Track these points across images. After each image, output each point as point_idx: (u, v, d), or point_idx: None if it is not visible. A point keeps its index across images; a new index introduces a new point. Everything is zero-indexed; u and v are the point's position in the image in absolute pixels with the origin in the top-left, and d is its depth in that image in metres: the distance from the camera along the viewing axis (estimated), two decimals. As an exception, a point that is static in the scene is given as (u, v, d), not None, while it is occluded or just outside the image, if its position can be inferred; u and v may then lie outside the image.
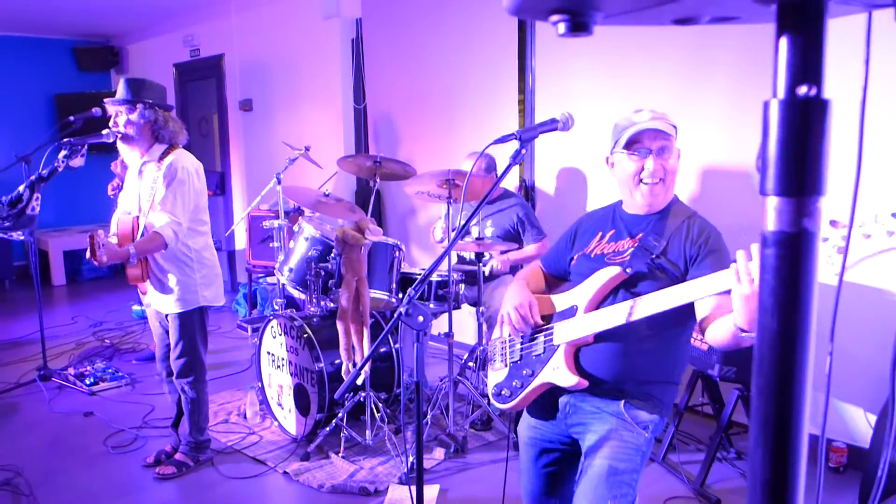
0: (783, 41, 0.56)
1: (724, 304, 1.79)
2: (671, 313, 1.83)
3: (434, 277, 3.78)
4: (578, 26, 0.62)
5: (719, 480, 3.30)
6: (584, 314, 1.99)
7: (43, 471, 3.54)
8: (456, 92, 5.13)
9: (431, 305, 3.87)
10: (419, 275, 3.84)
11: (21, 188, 2.82)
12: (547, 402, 2.11)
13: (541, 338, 2.11)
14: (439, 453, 3.58)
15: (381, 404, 3.64)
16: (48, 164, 2.91)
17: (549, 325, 2.09)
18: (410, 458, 3.33)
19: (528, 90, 4.67)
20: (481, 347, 3.93)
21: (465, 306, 4.25)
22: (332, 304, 3.75)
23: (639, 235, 2.03)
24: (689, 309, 1.88)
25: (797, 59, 0.56)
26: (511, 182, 4.76)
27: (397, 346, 3.88)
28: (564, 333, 2.03)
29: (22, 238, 2.92)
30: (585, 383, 1.98)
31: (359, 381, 3.51)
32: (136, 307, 6.40)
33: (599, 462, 1.95)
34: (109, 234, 3.23)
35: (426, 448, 3.60)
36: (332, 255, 3.62)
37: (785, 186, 0.56)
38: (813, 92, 0.55)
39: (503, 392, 2.19)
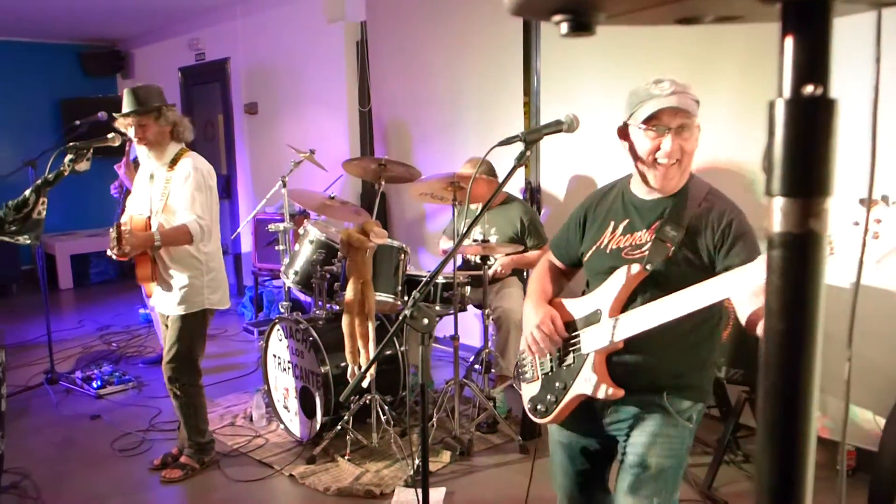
0: (788, 40, 0.56)
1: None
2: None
3: (439, 280, 3.77)
4: (581, 26, 0.62)
5: (726, 483, 3.28)
6: (610, 319, 1.88)
7: (50, 474, 3.54)
8: (461, 94, 5.13)
9: (437, 308, 3.86)
10: (425, 277, 3.83)
11: (27, 192, 2.83)
12: (583, 410, 2.01)
13: (569, 348, 1.99)
14: (445, 456, 3.57)
15: (386, 407, 3.63)
16: (54, 168, 2.92)
17: (576, 333, 1.97)
18: (416, 461, 3.33)
19: (534, 92, 4.66)
20: (487, 350, 3.92)
21: (470, 308, 4.25)
22: (337, 307, 3.75)
23: (655, 225, 1.90)
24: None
25: (803, 58, 0.55)
26: (516, 184, 4.76)
27: (403, 348, 3.87)
28: (592, 341, 1.92)
29: (28, 242, 2.92)
30: (621, 393, 1.88)
31: (364, 384, 3.51)
32: (142, 310, 6.41)
33: (645, 461, 1.90)
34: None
35: (432, 451, 3.59)
36: (338, 257, 3.61)
37: (791, 187, 0.55)
38: (819, 91, 0.54)
39: (538, 407, 2.08)
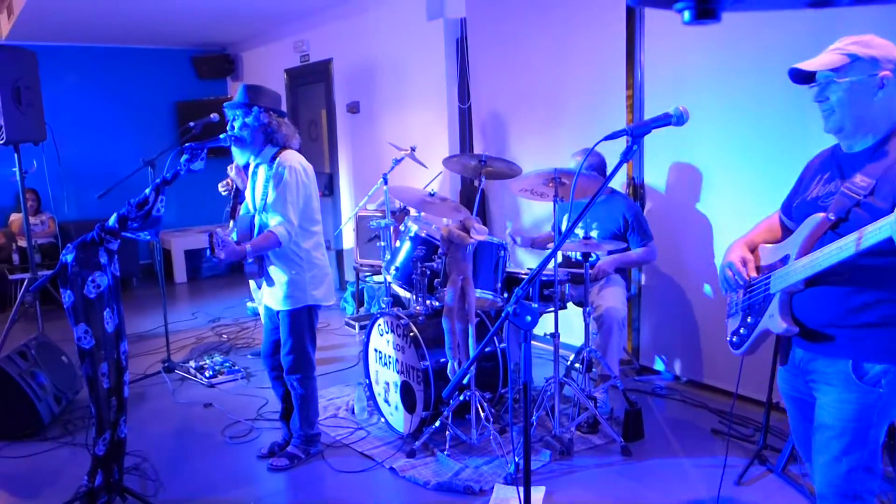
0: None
1: None
2: (880, 250, 1.76)
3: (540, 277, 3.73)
4: (705, 13, 0.59)
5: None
6: (795, 262, 2.02)
7: (167, 457, 3.74)
8: (561, 89, 5.06)
9: (535, 305, 3.83)
10: (524, 275, 3.81)
11: (147, 191, 2.98)
12: (785, 352, 2.19)
13: (761, 287, 2.18)
14: (545, 455, 3.54)
15: (485, 404, 3.63)
16: (171, 168, 3.06)
17: (768, 275, 2.14)
18: (516, 459, 3.31)
19: (637, 85, 4.54)
20: (587, 348, 3.85)
21: (570, 306, 4.19)
22: (437, 303, 3.78)
23: (850, 177, 1.97)
24: None
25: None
26: (618, 180, 4.65)
27: (502, 345, 3.86)
28: (778, 282, 2.08)
29: (148, 238, 3.08)
30: (795, 330, 2.02)
31: (464, 380, 3.52)
32: (250, 304, 6.67)
33: (830, 423, 2.00)
34: (231, 231, 3.40)
35: (531, 449, 3.56)
36: (438, 254, 3.64)
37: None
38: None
39: (734, 339, 2.29)
